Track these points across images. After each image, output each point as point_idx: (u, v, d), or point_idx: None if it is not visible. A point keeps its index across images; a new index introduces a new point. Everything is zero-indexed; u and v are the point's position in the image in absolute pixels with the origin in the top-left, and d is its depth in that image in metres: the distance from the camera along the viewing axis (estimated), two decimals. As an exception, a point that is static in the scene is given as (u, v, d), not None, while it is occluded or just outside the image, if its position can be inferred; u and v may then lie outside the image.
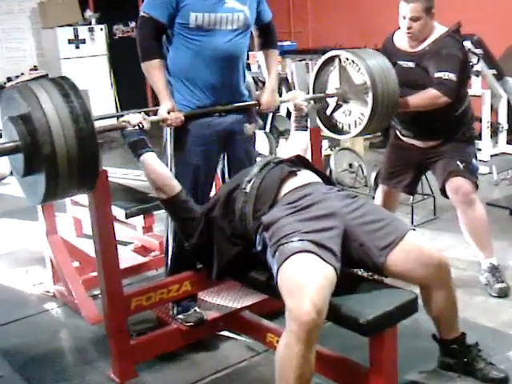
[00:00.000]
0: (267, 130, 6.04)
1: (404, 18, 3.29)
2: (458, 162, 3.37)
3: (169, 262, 3.03)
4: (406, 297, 2.30)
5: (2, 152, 2.19)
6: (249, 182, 2.54)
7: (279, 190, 2.49)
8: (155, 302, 2.77)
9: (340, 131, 3.37)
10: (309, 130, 3.09)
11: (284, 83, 5.91)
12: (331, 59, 3.29)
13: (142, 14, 2.82)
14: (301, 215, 2.35)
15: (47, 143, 2.08)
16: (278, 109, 6.10)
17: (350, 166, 5.47)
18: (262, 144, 5.62)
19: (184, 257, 2.87)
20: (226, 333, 3.12)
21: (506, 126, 6.56)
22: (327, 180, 2.72)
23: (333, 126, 3.37)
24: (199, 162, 2.90)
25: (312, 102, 3.26)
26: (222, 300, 3.13)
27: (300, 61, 7.22)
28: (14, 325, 3.46)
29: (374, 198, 4.88)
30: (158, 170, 2.64)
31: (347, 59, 3.20)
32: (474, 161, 3.43)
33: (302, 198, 2.41)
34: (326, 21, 9.41)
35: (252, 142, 3.13)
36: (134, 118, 2.61)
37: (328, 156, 5.44)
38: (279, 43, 4.94)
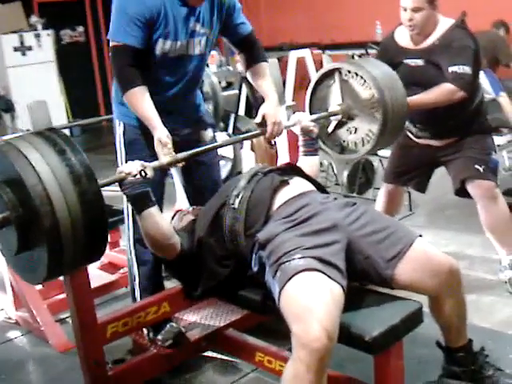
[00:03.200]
0: (230, 131, 5.85)
1: (405, 10, 3.12)
2: (477, 166, 3.20)
3: (136, 285, 2.82)
4: (410, 307, 2.13)
5: None
6: (237, 196, 2.30)
7: (272, 203, 2.27)
8: (132, 327, 2.52)
9: (345, 150, 3.07)
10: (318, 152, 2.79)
11: (245, 82, 5.75)
12: (330, 72, 3.01)
13: (112, 43, 2.51)
14: (300, 229, 2.13)
15: (47, 214, 1.80)
16: (238, 109, 5.92)
17: (321, 164, 5.33)
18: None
19: (154, 276, 2.69)
20: (210, 353, 2.91)
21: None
22: (321, 187, 2.51)
23: (336, 146, 3.08)
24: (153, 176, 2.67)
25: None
26: (203, 318, 2.92)
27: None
28: (-26, 358, 3.18)
29: (348, 196, 4.77)
30: (161, 226, 2.29)
31: (349, 72, 2.93)
32: (492, 156, 3.27)
33: (298, 210, 2.20)
34: (280, 17, 9.28)
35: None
36: (134, 166, 2.22)
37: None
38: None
